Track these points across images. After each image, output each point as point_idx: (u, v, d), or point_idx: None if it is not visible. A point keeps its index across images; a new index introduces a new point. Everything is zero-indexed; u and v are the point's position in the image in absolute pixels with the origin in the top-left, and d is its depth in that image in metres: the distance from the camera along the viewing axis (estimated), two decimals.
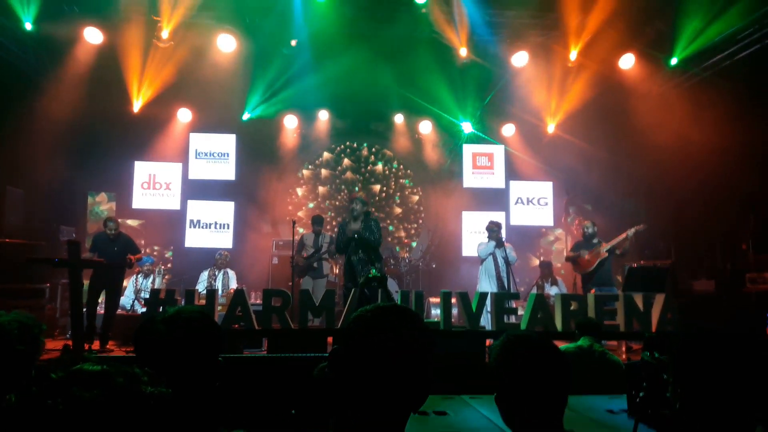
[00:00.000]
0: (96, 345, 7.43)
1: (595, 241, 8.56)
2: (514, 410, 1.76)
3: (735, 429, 1.51)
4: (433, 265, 12.09)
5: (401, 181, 13.11)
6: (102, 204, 11.21)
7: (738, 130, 8.48)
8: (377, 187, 12.94)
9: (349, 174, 12.91)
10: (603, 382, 4.02)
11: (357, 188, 12.75)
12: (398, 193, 13.06)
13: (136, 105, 10.73)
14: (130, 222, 11.47)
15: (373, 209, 12.17)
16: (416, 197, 13.11)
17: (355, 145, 13.07)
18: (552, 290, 9.46)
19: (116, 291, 7.97)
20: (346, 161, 12.98)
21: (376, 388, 1.27)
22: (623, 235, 8.27)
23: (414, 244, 12.89)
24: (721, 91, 9.17)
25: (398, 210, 13.01)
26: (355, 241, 7.38)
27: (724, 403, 1.53)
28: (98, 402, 0.84)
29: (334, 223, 12.17)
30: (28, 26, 8.86)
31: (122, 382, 0.87)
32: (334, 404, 1.33)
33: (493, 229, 8.63)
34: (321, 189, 12.82)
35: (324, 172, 12.90)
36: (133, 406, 0.87)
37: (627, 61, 10.46)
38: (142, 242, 11.32)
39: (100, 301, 7.96)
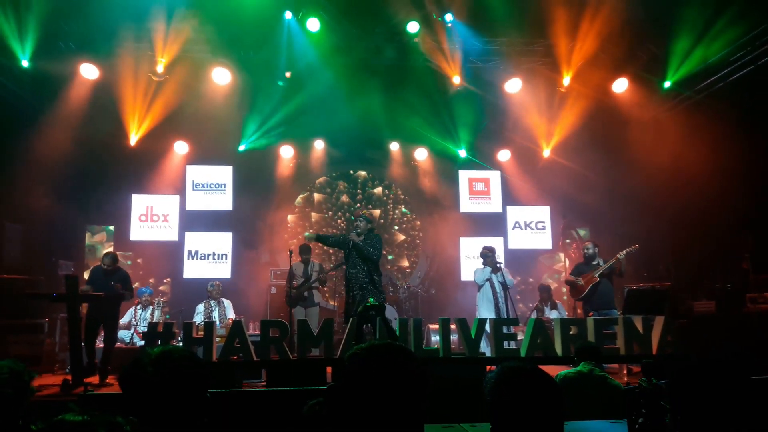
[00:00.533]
0: (96, 379, 7.36)
1: (594, 262, 8.47)
2: None
3: None
4: (432, 291, 12.06)
5: (399, 208, 13.13)
6: (100, 241, 11.25)
7: (733, 150, 8.53)
8: (377, 212, 12.97)
9: (345, 198, 12.95)
10: (603, 407, 3.99)
11: (359, 207, 12.77)
12: (396, 220, 13.08)
13: (133, 138, 10.80)
14: (126, 254, 11.49)
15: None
16: (417, 223, 13.12)
17: (351, 172, 13.12)
18: (552, 314, 9.41)
19: (113, 324, 7.93)
20: (341, 187, 13.01)
21: (371, 425, 1.27)
22: (613, 259, 8.23)
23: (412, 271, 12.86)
24: (715, 113, 9.24)
25: (400, 237, 13.00)
26: (354, 250, 7.30)
27: (722, 429, 1.53)
28: None
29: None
30: (25, 63, 8.95)
31: None
32: None
33: (487, 254, 8.62)
34: (314, 215, 12.84)
35: (317, 196, 12.93)
36: None
37: (620, 85, 10.55)
38: (141, 273, 11.33)
39: (99, 334, 7.92)
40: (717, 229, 8.89)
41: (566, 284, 9.00)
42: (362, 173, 13.16)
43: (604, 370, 4.54)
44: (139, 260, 11.55)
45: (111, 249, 10.60)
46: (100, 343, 7.97)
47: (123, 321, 9.18)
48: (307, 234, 8.26)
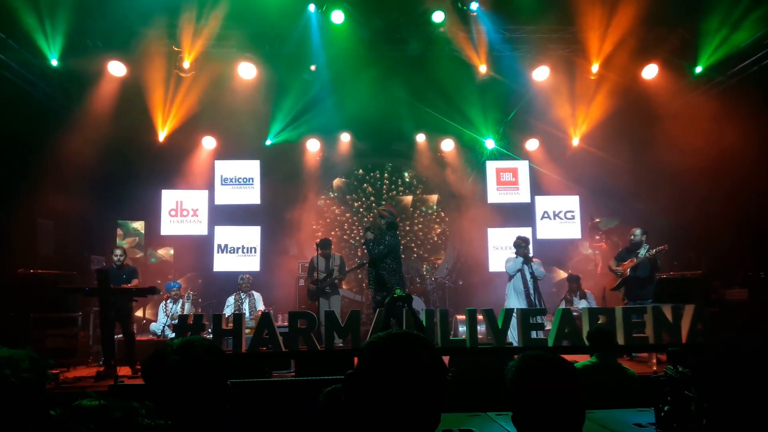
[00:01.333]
0: (128, 371, 7.51)
1: (638, 250, 8.33)
2: (531, 429, 1.74)
3: None
4: (460, 282, 12.02)
5: (426, 200, 13.11)
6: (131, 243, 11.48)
7: (766, 136, 8.31)
8: (408, 198, 12.98)
9: (370, 190, 12.97)
10: (621, 396, 3.96)
11: (386, 199, 12.80)
12: (423, 213, 13.06)
13: (162, 134, 10.96)
14: (161, 251, 11.71)
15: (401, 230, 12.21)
16: (443, 215, 13.10)
17: (377, 165, 13.14)
18: (581, 304, 9.32)
19: (127, 319, 8.01)
20: (368, 180, 13.04)
21: (387, 413, 1.28)
22: (648, 254, 8.11)
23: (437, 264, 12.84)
24: (748, 97, 9.00)
25: (425, 233, 12.99)
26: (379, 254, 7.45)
27: (749, 417, 1.50)
28: None
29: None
30: (54, 62, 9.13)
31: (120, 416, 0.89)
32: (346, 429, 1.35)
33: (520, 244, 8.54)
34: (339, 209, 12.90)
35: (344, 188, 12.97)
36: None
37: (650, 72, 10.36)
38: (160, 268, 11.53)
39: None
40: (750, 216, 8.67)
41: (610, 271, 8.86)
42: (389, 165, 13.16)
43: (619, 358, 4.51)
44: (170, 254, 11.75)
45: (124, 244, 10.80)
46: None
47: (159, 316, 9.41)
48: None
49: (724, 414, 1.54)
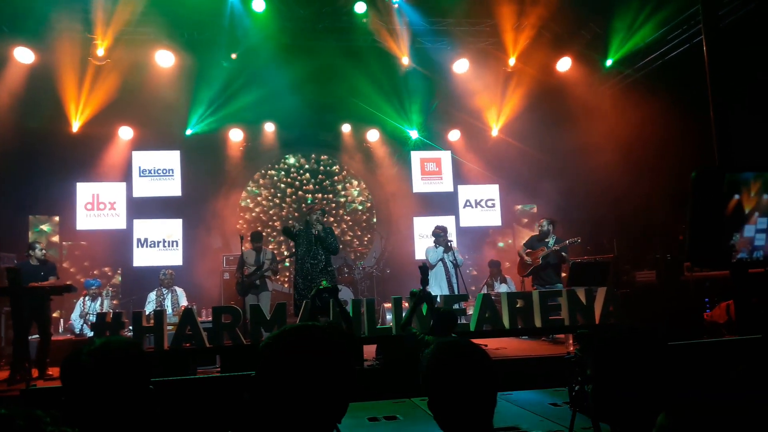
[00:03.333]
0: (34, 373, 7.14)
1: (547, 239, 8.71)
2: (446, 414, 1.83)
3: (642, 416, 1.62)
4: (387, 271, 12.17)
5: (351, 188, 13.17)
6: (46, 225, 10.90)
7: (671, 126, 8.86)
8: (326, 196, 12.99)
9: (297, 181, 12.90)
10: None
11: (312, 200, 12.74)
12: (348, 201, 13.12)
13: (75, 124, 10.48)
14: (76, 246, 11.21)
15: (330, 218, 12.23)
16: (367, 205, 13.20)
17: (303, 155, 13.07)
18: (501, 288, 9.64)
19: (46, 320, 7.61)
20: (293, 170, 12.96)
21: (287, 409, 1.32)
22: (557, 247, 8.42)
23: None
24: (654, 90, 9.55)
25: (349, 218, 13.06)
26: (318, 242, 7.46)
27: (633, 393, 1.64)
28: None
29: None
30: None
31: (23, 425, 0.86)
32: (258, 426, 1.38)
33: (439, 234, 8.72)
34: (264, 198, 12.76)
35: (268, 179, 12.84)
36: None
37: (564, 64, 10.78)
38: (86, 264, 11.06)
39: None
40: (657, 202, 9.23)
41: (518, 255, 9.15)
42: (315, 156, 13.11)
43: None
44: (80, 251, 11.26)
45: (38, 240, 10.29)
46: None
47: (73, 314, 9.02)
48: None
49: (617, 393, 1.68)
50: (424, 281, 5.67)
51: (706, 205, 2.04)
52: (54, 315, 9.17)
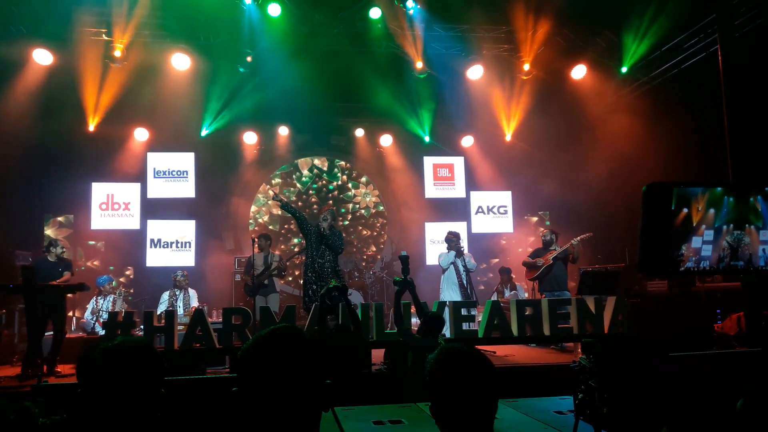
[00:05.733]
0: (55, 370, 7.25)
1: (552, 248, 8.77)
2: (447, 419, 1.85)
3: (646, 427, 1.63)
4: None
5: (363, 193, 13.19)
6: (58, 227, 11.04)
7: (687, 134, 8.82)
8: (347, 193, 13.02)
9: (310, 184, 12.95)
10: None
11: (330, 201, 12.79)
12: (361, 205, 13.14)
13: (92, 125, 10.60)
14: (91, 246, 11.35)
15: (340, 219, 12.29)
16: (380, 208, 13.21)
17: (316, 158, 13.12)
18: (511, 295, 9.63)
19: (61, 318, 7.70)
20: (306, 174, 13.01)
21: (265, 406, 1.39)
22: (567, 245, 8.53)
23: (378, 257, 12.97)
24: (670, 98, 9.51)
25: (363, 228, 13.08)
26: (324, 240, 7.56)
27: (636, 403, 1.65)
28: None
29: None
30: None
31: (14, 419, 0.89)
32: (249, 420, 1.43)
33: (451, 239, 8.77)
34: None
35: (282, 182, 12.89)
36: None
37: (579, 72, 10.75)
38: (96, 263, 11.18)
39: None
40: None
41: (523, 266, 9.21)
42: (328, 159, 13.16)
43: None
44: (94, 250, 11.38)
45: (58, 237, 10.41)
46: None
47: (87, 312, 9.11)
48: (275, 197, 8.24)
49: (621, 404, 1.69)
50: (405, 270, 5.85)
51: (655, 218, 2.17)
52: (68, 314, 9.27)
